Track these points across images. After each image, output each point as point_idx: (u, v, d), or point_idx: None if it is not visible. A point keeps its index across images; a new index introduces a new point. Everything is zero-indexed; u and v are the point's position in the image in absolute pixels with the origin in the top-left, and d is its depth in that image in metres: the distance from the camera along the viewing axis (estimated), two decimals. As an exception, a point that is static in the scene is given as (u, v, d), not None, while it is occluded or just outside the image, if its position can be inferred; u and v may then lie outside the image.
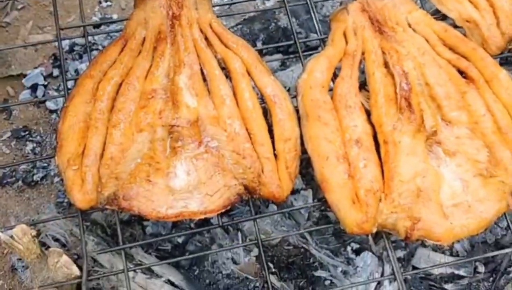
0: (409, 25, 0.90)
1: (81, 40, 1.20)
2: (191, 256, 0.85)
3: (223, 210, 0.77)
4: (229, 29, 1.18)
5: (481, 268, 0.93)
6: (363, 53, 0.87)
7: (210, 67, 0.83)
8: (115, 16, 1.27)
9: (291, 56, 1.06)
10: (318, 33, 0.94)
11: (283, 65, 1.15)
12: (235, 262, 0.90)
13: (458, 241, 0.94)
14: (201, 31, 0.87)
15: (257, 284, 0.89)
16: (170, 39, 0.85)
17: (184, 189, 0.77)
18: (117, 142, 0.78)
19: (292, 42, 0.93)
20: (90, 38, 1.17)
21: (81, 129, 0.79)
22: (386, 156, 0.79)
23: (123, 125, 0.79)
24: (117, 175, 0.77)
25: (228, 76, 0.84)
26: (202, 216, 0.76)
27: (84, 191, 0.75)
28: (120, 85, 0.82)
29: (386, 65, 0.85)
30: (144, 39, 0.86)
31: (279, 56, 1.15)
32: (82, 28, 0.96)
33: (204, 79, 0.83)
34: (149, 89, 0.81)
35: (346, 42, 0.88)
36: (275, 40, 1.14)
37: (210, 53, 0.85)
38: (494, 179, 0.80)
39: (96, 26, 1.23)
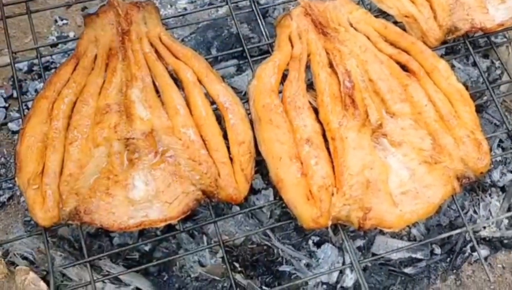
0: (351, 25, 0.94)
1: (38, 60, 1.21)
2: (157, 262, 0.87)
3: (183, 216, 0.80)
4: (183, 38, 1.22)
5: (438, 250, 0.98)
6: (308, 55, 0.90)
7: (162, 78, 0.86)
8: (71, 34, 1.29)
9: (245, 61, 1.09)
10: (266, 38, 0.97)
11: (239, 70, 1.19)
12: (202, 265, 0.93)
13: (414, 226, 0.99)
14: (151, 44, 0.90)
15: (225, 284, 0.92)
16: (121, 55, 0.88)
17: (144, 199, 0.79)
18: (74, 159, 0.80)
19: (241, 48, 0.96)
20: (48, 57, 1.20)
21: (39, 149, 0.81)
22: (335, 152, 0.83)
23: (80, 141, 0.81)
24: (77, 191, 0.79)
25: (180, 86, 0.87)
26: (163, 224, 0.79)
27: (46, 208, 0.77)
28: (75, 103, 0.84)
29: (331, 65, 0.89)
30: (95, 56, 0.88)
31: (234, 61, 1.18)
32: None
33: (157, 91, 0.86)
34: (103, 104, 0.84)
35: (292, 46, 0.91)
36: (229, 47, 1.17)
37: (161, 65, 0.88)
38: (439, 165, 0.85)
39: (54, 45, 1.25)
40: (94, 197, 0.79)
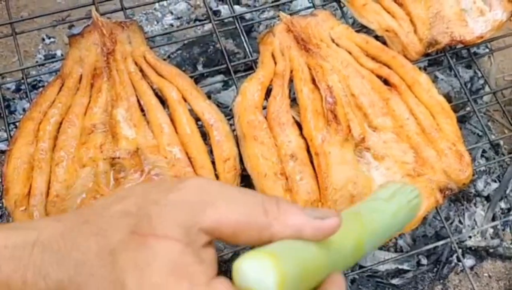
0: (333, 40, 0.95)
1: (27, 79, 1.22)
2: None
3: (169, 234, 0.80)
4: (170, 55, 1.23)
5: (424, 261, 0.99)
6: (291, 72, 0.92)
7: (146, 97, 0.87)
8: (59, 52, 1.30)
9: (230, 77, 1.10)
10: (250, 55, 0.98)
11: (226, 85, 1.20)
12: (190, 281, 0.93)
13: (401, 237, 1.00)
14: (136, 63, 0.91)
15: (214, 300, 0.92)
16: (106, 74, 0.89)
17: (130, 218, 0.80)
18: (61, 180, 0.81)
19: (225, 65, 0.97)
20: (36, 77, 1.21)
21: (26, 170, 0.82)
22: (319, 167, 0.84)
23: (66, 162, 0.82)
24: (64, 211, 0.80)
25: (165, 104, 0.88)
26: (150, 242, 0.79)
27: (32, 230, 0.78)
28: (61, 123, 0.85)
29: (313, 80, 0.91)
30: (81, 76, 0.89)
31: (220, 77, 1.19)
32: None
33: (142, 110, 0.87)
34: (89, 124, 0.85)
35: (275, 63, 0.93)
36: (215, 63, 1.18)
37: (145, 84, 0.89)
38: (422, 178, 0.86)
39: (41, 64, 1.26)
40: (80, 217, 0.79)
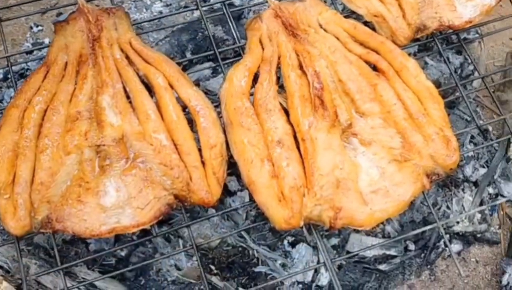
0: (321, 26, 0.94)
1: (14, 68, 1.21)
2: (133, 267, 0.88)
3: (155, 221, 0.80)
4: (158, 42, 1.22)
5: (412, 246, 0.99)
6: (279, 58, 0.91)
7: (132, 84, 0.87)
8: (46, 40, 1.29)
9: (218, 64, 1.10)
10: (237, 41, 0.98)
11: (215, 72, 1.19)
12: (178, 269, 0.93)
13: (389, 223, 1.00)
14: (122, 50, 0.90)
15: (202, 287, 0.93)
16: (92, 61, 0.88)
17: (115, 205, 0.80)
18: (46, 167, 0.81)
19: (213, 52, 0.97)
20: (24, 64, 1.20)
21: (10, 158, 0.81)
22: (305, 153, 0.84)
23: (51, 150, 0.82)
24: (48, 199, 0.79)
25: (151, 91, 0.88)
26: (135, 229, 0.79)
27: (17, 217, 0.78)
28: (46, 111, 0.85)
29: (301, 66, 0.90)
30: (66, 64, 0.89)
31: (209, 64, 1.19)
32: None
33: (128, 97, 0.87)
34: (74, 112, 0.84)
35: (263, 49, 0.92)
36: (204, 49, 1.18)
37: (131, 71, 0.88)
38: (409, 163, 0.86)
39: (29, 52, 1.24)
40: (66, 205, 0.79)
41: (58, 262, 0.80)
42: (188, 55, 1.17)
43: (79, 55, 0.89)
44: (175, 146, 0.84)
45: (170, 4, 1.34)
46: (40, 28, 1.31)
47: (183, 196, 0.82)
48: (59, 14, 1.32)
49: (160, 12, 1.33)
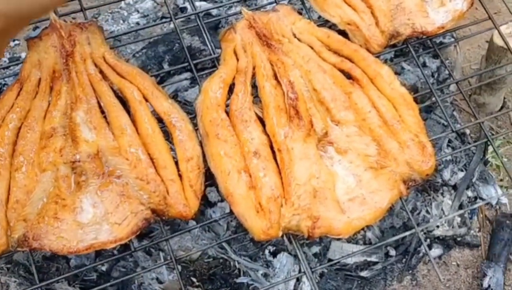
0: (295, 35, 0.95)
1: (-9, 83, 1.21)
2: (114, 282, 0.87)
3: (133, 236, 0.80)
4: (135, 54, 1.22)
5: (392, 252, 1.00)
6: (254, 68, 0.91)
7: (107, 99, 0.86)
8: (23, 55, 1.28)
9: (197, 74, 1.09)
10: (212, 52, 0.98)
11: (193, 83, 1.19)
12: (160, 282, 0.93)
13: (369, 230, 1.01)
14: (96, 65, 0.90)
15: (183, 300, 0.92)
16: (66, 77, 0.88)
17: (92, 222, 0.79)
18: (21, 185, 0.80)
19: (187, 64, 0.97)
20: (1, 80, 1.19)
21: (-15, 177, 0.81)
22: (282, 163, 0.84)
23: (26, 167, 0.81)
24: (24, 217, 0.79)
25: (126, 105, 0.87)
26: (113, 245, 0.79)
27: (-7, 237, 0.77)
28: (20, 128, 0.84)
29: (276, 76, 0.91)
30: (39, 80, 0.88)
31: (187, 74, 1.19)
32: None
33: (103, 112, 0.86)
34: (48, 128, 0.84)
35: (238, 60, 0.92)
36: (181, 61, 1.18)
37: (105, 85, 0.88)
38: (385, 170, 0.86)
39: (6, 67, 1.24)
40: (42, 222, 0.79)
41: (37, 279, 0.80)
42: (166, 66, 1.17)
43: (53, 71, 0.89)
44: (151, 160, 0.83)
45: (147, 15, 1.34)
46: (17, 42, 1.31)
47: (161, 210, 0.82)
48: (35, 28, 1.32)
49: (137, 24, 1.33)
